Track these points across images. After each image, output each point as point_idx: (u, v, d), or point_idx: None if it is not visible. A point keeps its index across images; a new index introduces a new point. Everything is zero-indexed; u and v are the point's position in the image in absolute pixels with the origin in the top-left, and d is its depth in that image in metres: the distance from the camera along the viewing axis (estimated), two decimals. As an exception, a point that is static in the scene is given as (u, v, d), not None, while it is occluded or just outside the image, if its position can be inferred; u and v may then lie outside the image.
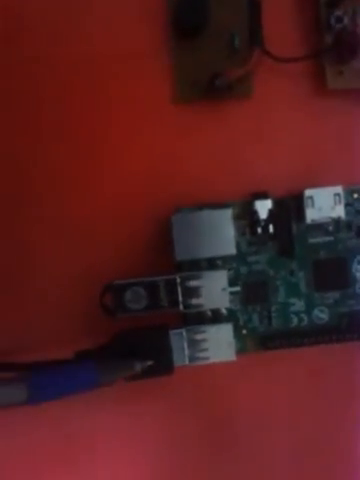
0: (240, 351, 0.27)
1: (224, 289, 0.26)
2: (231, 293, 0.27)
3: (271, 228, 0.27)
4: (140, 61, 0.27)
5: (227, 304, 0.26)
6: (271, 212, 0.27)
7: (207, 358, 0.26)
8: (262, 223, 0.27)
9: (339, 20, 0.27)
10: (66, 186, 0.27)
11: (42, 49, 0.27)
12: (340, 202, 0.27)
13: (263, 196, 0.27)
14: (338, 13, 0.27)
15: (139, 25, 0.27)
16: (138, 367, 0.25)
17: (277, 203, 0.27)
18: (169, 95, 0.27)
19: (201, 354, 0.26)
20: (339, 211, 0.27)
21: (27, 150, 0.27)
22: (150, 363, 0.25)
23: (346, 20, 0.27)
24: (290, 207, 0.27)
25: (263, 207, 0.27)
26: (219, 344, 0.26)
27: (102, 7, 0.27)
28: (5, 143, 0.27)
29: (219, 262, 0.27)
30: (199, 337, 0.26)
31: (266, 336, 0.28)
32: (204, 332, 0.25)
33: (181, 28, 0.27)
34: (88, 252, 0.27)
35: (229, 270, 0.27)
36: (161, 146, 0.27)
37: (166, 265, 0.26)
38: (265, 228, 0.27)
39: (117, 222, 0.27)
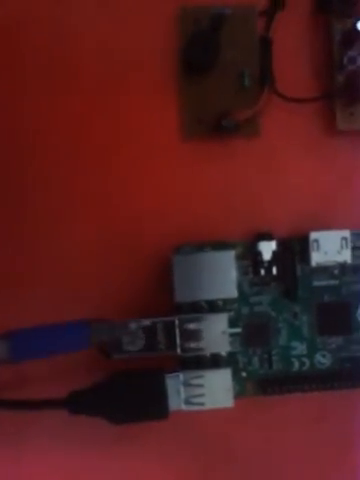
0: (239, 394, 0.24)
1: (224, 333, 0.22)
2: (231, 334, 0.24)
3: (274, 270, 0.24)
4: (150, 97, 0.25)
5: (227, 348, 0.23)
6: (275, 253, 0.24)
7: (203, 404, 0.22)
8: (266, 264, 0.24)
9: (352, 61, 0.24)
10: (68, 221, 0.24)
11: (50, 84, 0.24)
12: (347, 246, 0.24)
13: (267, 237, 0.24)
14: (352, 53, 0.24)
15: (149, 61, 0.24)
16: (133, 327, 0.22)
17: (282, 244, 0.24)
18: (177, 132, 0.25)
19: (197, 399, 0.22)
20: (345, 255, 0.24)
21: (31, 186, 0.24)
22: (147, 323, 0.22)
23: (359, 61, 0.25)
24: (295, 249, 0.24)
25: (267, 248, 0.24)
26: (216, 390, 0.22)
27: (114, 43, 0.24)
28: (6, 179, 0.24)
29: (220, 304, 0.24)
30: (196, 382, 0.22)
31: (266, 380, 0.25)
32: (201, 377, 0.22)
33: (191, 65, 0.24)
34: (88, 289, 0.24)
35: (230, 311, 0.24)
36: (167, 182, 0.25)
37: (166, 305, 0.23)
38: (268, 269, 0.24)
39: (119, 259, 0.24)
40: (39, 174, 0.24)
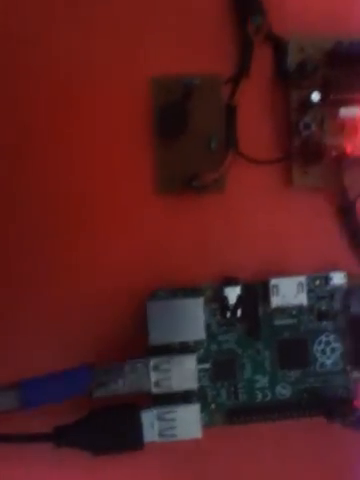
0: (208, 424, 0.26)
1: (193, 372, 0.24)
2: (201, 370, 0.26)
3: (239, 312, 0.26)
4: (126, 155, 0.26)
5: (195, 386, 0.24)
6: (240, 297, 0.26)
7: (175, 435, 0.24)
8: (231, 307, 0.26)
9: (307, 126, 0.26)
10: (46, 267, 0.26)
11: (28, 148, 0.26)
12: (303, 290, 0.26)
13: (233, 283, 0.26)
14: (307, 120, 0.26)
15: (128, 125, 0.26)
16: (128, 374, 0.24)
17: (246, 288, 0.26)
18: (151, 187, 0.26)
19: (170, 432, 0.24)
20: (301, 299, 0.26)
21: (16, 243, 0.26)
22: (125, 363, 0.24)
23: (313, 127, 0.26)
24: (257, 293, 0.26)
25: (233, 293, 0.26)
26: (187, 423, 0.24)
27: (94, 107, 0.26)
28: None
29: (190, 345, 0.25)
30: (168, 416, 0.24)
31: (233, 410, 0.26)
32: (173, 412, 0.24)
33: (163, 130, 0.26)
34: (67, 331, 0.25)
35: (200, 350, 0.26)
36: (142, 233, 0.26)
37: (142, 345, 0.25)
38: (234, 311, 0.26)
39: (96, 304, 0.26)
40: (24, 229, 0.26)
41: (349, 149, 0.25)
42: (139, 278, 0.26)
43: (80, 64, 0.26)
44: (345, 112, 0.25)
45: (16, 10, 0.26)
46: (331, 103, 0.25)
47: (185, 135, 0.26)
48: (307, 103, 0.25)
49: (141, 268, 0.26)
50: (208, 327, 0.26)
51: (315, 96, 0.24)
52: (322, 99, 0.25)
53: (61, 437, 0.24)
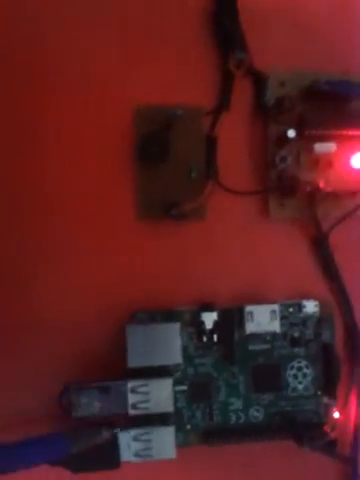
0: (184, 444, 0.27)
1: (169, 396, 0.25)
2: (178, 392, 0.27)
3: (215, 336, 0.27)
4: (108, 180, 0.27)
5: (171, 409, 0.25)
6: (216, 322, 0.27)
7: (151, 456, 0.25)
8: (208, 332, 0.27)
9: (283, 160, 0.27)
10: (32, 291, 0.27)
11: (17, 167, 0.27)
12: (276, 317, 0.27)
13: (210, 308, 0.27)
14: (283, 153, 0.27)
15: (111, 152, 0.27)
16: (106, 435, 0.25)
17: (222, 314, 0.27)
18: (132, 212, 0.27)
19: (145, 452, 0.25)
20: (275, 325, 0.27)
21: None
22: (116, 430, 0.25)
23: (289, 160, 0.27)
24: (233, 318, 0.27)
25: (209, 318, 0.27)
26: (162, 444, 0.25)
27: (78, 132, 0.27)
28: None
29: (167, 368, 0.26)
30: (144, 437, 0.25)
31: (208, 431, 0.27)
32: (149, 433, 0.25)
33: (145, 157, 0.27)
34: (46, 351, 0.26)
35: (177, 372, 0.27)
36: (122, 257, 0.27)
37: (120, 366, 0.26)
38: (210, 336, 0.27)
39: (77, 325, 0.27)
40: (3, 248, 0.27)
41: (322, 184, 0.27)
42: (119, 300, 0.27)
43: (64, 91, 0.27)
44: (320, 147, 0.27)
45: (8, 36, 0.27)
46: (306, 138, 0.27)
47: (166, 164, 0.27)
48: (284, 138, 0.27)
49: (121, 291, 0.27)
50: (185, 350, 0.27)
51: (291, 133, 0.26)
52: (298, 134, 0.26)
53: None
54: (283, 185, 0.27)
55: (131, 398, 0.25)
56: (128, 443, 0.25)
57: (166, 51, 0.28)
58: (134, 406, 0.25)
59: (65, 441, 0.24)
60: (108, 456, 0.25)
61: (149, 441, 0.25)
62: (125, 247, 0.28)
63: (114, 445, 0.25)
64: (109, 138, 0.27)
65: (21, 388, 0.26)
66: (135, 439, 0.25)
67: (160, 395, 0.25)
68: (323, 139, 0.27)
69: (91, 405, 0.25)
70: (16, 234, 0.27)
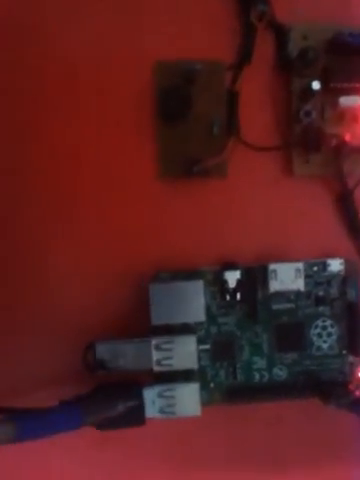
0: (207, 403, 0.28)
1: (193, 352, 0.26)
2: (201, 351, 0.27)
3: (239, 295, 0.27)
4: (129, 138, 0.27)
5: (195, 365, 0.26)
6: (239, 281, 0.27)
7: (175, 413, 0.26)
8: (231, 291, 0.27)
9: (308, 114, 0.27)
10: (55, 251, 0.27)
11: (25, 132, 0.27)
12: (300, 276, 0.27)
13: (232, 267, 0.27)
14: (307, 108, 0.27)
15: (131, 109, 0.27)
16: (121, 407, 0.25)
17: (245, 272, 0.27)
18: (153, 171, 0.27)
19: (170, 409, 0.26)
20: (299, 284, 0.27)
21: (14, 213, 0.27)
22: (132, 403, 0.25)
23: (314, 115, 0.27)
24: (256, 277, 0.28)
25: (232, 277, 0.27)
26: (186, 401, 0.26)
27: (98, 90, 0.27)
28: None
29: (191, 325, 0.27)
30: (169, 394, 0.25)
31: (231, 390, 0.28)
32: (173, 390, 0.25)
33: (166, 113, 0.27)
34: (71, 311, 0.27)
35: (200, 330, 0.28)
36: (144, 216, 0.27)
37: (144, 325, 0.26)
38: (233, 295, 0.27)
39: (100, 285, 0.27)
40: (29, 211, 0.27)
41: (348, 138, 0.27)
42: (141, 261, 0.27)
43: (84, 48, 0.27)
44: (345, 101, 0.26)
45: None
46: (331, 92, 0.26)
47: (187, 120, 0.27)
48: (308, 91, 0.26)
49: (143, 251, 0.28)
50: (208, 309, 0.28)
51: (315, 85, 0.25)
52: (322, 88, 0.26)
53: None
54: (307, 140, 0.26)
55: (155, 355, 0.25)
56: (153, 399, 0.26)
57: (185, 4, 0.27)
58: (158, 362, 0.26)
59: (79, 413, 0.25)
60: (133, 413, 0.26)
61: (173, 398, 0.26)
62: (146, 206, 0.28)
63: (139, 402, 0.26)
64: (129, 95, 0.27)
65: (44, 348, 0.27)
66: (160, 395, 0.26)
67: (184, 352, 0.26)
68: (348, 92, 0.26)
69: (116, 361, 0.25)
70: (35, 196, 0.27)
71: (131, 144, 0.28)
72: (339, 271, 0.28)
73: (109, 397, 0.25)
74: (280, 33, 0.28)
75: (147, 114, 0.27)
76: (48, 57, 0.27)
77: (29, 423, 0.24)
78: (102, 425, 0.26)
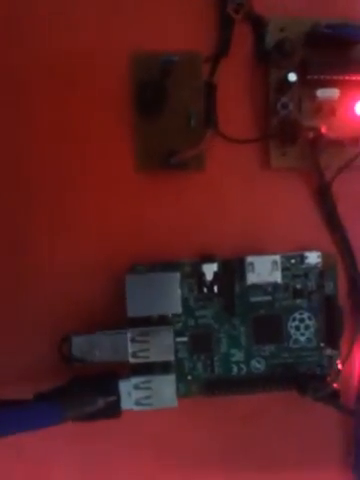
0: (185, 395, 0.28)
1: (170, 344, 0.26)
2: (179, 343, 0.28)
3: (216, 288, 0.28)
4: (106, 131, 0.27)
5: (172, 357, 0.26)
6: (216, 274, 0.27)
7: (151, 404, 0.26)
8: (208, 283, 0.27)
9: (285, 106, 0.27)
10: (33, 242, 0.27)
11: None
12: (277, 268, 0.27)
13: (210, 259, 0.27)
14: (284, 100, 0.27)
15: (107, 101, 0.27)
16: (101, 403, 0.26)
17: (222, 265, 0.28)
18: (131, 163, 0.27)
19: (146, 400, 0.26)
20: (276, 276, 0.27)
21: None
22: (113, 398, 0.26)
23: (291, 107, 0.27)
24: (234, 269, 0.28)
25: (209, 269, 0.27)
26: (163, 393, 0.26)
27: (72, 85, 0.27)
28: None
29: (169, 317, 0.27)
30: (145, 386, 0.26)
31: (209, 382, 0.28)
32: (150, 382, 0.26)
33: (143, 106, 0.27)
34: (46, 302, 0.27)
35: (178, 323, 0.28)
36: (122, 209, 0.28)
37: (121, 317, 0.26)
38: (211, 287, 0.28)
39: (77, 277, 0.27)
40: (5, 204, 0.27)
41: (325, 130, 0.27)
42: (118, 253, 0.28)
43: (59, 41, 0.27)
44: (322, 93, 0.27)
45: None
46: (308, 84, 0.27)
47: (164, 112, 0.27)
48: (285, 83, 0.27)
49: (120, 243, 0.28)
50: (185, 302, 0.28)
51: (292, 76, 0.26)
52: (300, 79, 0.26)
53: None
54: (285, 132, 0.27)
55: (131, 347, 0.26)
56: (129, 391, 0.26)
57: (162, -5, 0.28)
58: (134, 355, 0.26)
59: (59, 409, 0.25)
60: (109, 405, 0.26)
61: (150, 389, 0.26)
62: (124, 198, 0.28)
63: (115, 394, 0.26)
64: (104, 87, 0.27)
65: (20, 340, 0.27)
66: (136, 387, 0.26)
67: (161, 344, 0.26)
68: (326, 85, 0.27)
69: (91, 353, 0.26)
70: (13, 186, 0.27)
71: (107, 137, 0.28)
72: (317, 264, 0.28)
73: (89, 392, 0.26)
74: (258, 25, 0.28)
75: (124, 107, 0.27)
76: (23, 50, 0.27)
77: (8, 419, 0.24)
78: (78, 417, 0.26)
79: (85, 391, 0.26)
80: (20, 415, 0.24)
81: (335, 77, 0.27)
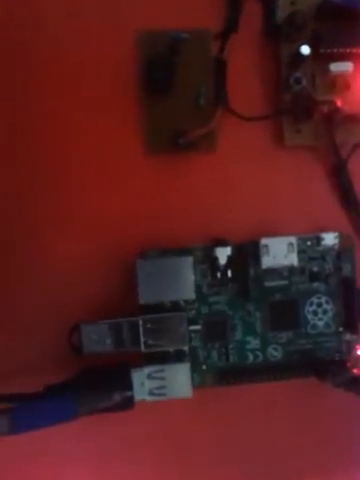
0: (199, 385, 0.27)
1: (184, 331, 0.25)
2: (192, 331, 0.27)
3: (230, 272, 0.27)
4: (113, 113, 0.27)
5: (186, 345, 0.25)
6: (230, 258, 0.27)
7: (165, 394, 0.25)
8: (222, 268, 0.27)
9: (298, 81, 0.26)
10: (40, 228, 0.26)
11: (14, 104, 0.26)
12: (293, 250, 0.26)
13: (223, 243, 0.27)
14: (297, 75, 0.26)
15: (113, 82, 0.26)
16: (117, 398, 0.25)
17: (236, 249, 0.27)
18: (140, 146, 0.27)
19: (160, 391, 0.25)
20: (292, 259, 0.26)
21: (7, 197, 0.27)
22: (129, 393, 0.25)
23: (304, 82, 0.26)
24: (248, 253, 0.27)
25: (223, 254, 0.26)
26: (177, 382, 0.25)
27: (77, 64, 0.26)
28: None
29: (182, 304, 0.26)
30: (158, 375, 0.25)
31: (224, 371, 0.27)
32: (163, 371, 0.25)
33: (151, 85, 0.26)
34: (57, 290, 0.26)
35: (191, 310, 0.27)
36: (131, 193, 0.27)
37: (131, 305, 0.26)
38: (224, 272, 0.27)
39: (86, 263, 0.26)
40: (12, 191, 0.26)
41: (340, 104, 0.26)
42: (129, 238, 0.27)
43: (64, 19, 0.26)
44: (336, 67, 0.26)
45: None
46: (321, 58, 0.26)
47: (173, 91, 0.26)
48: (297, 57, 0.26)
49: (131, 229, 0.27)
50: (198, 288, 0.27)
51: (305, 49, 0.25)
52: (312, 54, 0.25)
53: (52, 396, 0.24)
54: (298, 108, 0.26)
55: (143, 335, 0.25)
56: (142, 381, 0.25)
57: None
58: (147, 343, 0.25)
59: (75, 404, 0.24)
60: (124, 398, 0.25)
61: (163, 379, 0.25)
62: (133, 182, 0.27)
63: (127, 385, 0.25)
64: (111, 67, 0.27)
65: (29, 330, 0.26)
66: (149, 377, 0.25)
67: (174, 331, 0.25)
68: (339, 58, 0.26)
69: (102, 343, 0.25)
70: (21, 174, 0.26)
71: (115, 119, 0.27)
72: (334, 245, 0.27)
73: (104, 387, 0.24)
74: (267, -1, 0.27)
75: (131, 87, 0.27)
76: (28, 29, 0.26)
77: (24, 415, 0.23)
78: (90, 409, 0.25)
79: (100, 386, 0.25)
80: (34, 412, 0.23)
81: (348, 50, 0.26)
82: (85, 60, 0.26)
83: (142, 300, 0.25)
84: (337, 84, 0.26)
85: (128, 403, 0.25)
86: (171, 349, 0.25)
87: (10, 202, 0.26)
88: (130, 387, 0.25)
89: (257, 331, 0.27)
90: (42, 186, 0.26)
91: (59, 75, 0.26)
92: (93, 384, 0.25)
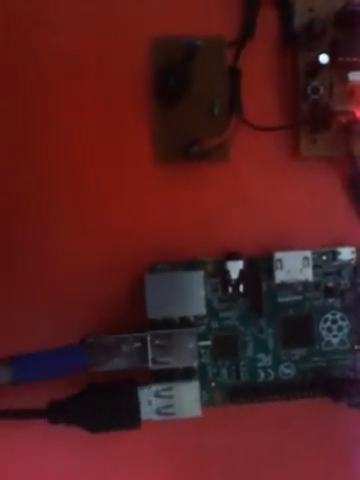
0: (208, 403, 0.26)
1: (193, 348, 0.24)
2: (202, 347, 0.26)
3: (242, 287, 0.26)
4: (124, 121, 0.26)
5: (195, 363, 0.24)
6: (242, 272, 0.26)
7: (173, 414, 0.24)
8: (233, 282, 0.26)
9: (315, 91, 0.26)
10: (47, 241, 0.26)
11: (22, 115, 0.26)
12: (308, 265, 0.26)
13: (235, 257, 0.26)
14: (315, 83, 0.26)
15: (126, 89, 0.26)
16: (124, 348, 0.24)
17: (248, 263, 0.26)
18: (150, 155, 0.26)
19: (168, 410, 0.24)
20: (307, 274, 0.26)
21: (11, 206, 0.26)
22: (138, 345, 0.24)
23: (322, 91, 0.26)
24: (260, 267, 0.26)
25: (234, 267, 0.26)
26: (185, 401, 0.24)
27: (89, 70, 0.26)
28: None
29: (191, 319, 0.25)
30: (166, 393, 0.24)
31: (234, 389, 0.26)
32: (171, 389, 0.24)
33: (164, 93, 0.26)
34: (64, 304, 0.25)
35: (201, 326, 0.26)
36: (141, 204, 0.26)
37: (140, 320, 0.25)
38: (236, 287, 0.26)
39: (94, 277, 0.26)
40: (21, 200, 0.26)
41: (358, 115, 0.25)
42: (138, 251, 0.26)
43: (79, 26, 0.25)
44: (354, 76, 0.25)
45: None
46: (339, 66, 0.25)
47: (186, 100, 0.26)
48: (315, 66, 0.25)
49: (140, 241, 0.26)
50: (209, 303, 0.26)
51: (323, 58, 0.24)
52: (330, 62, 0.25)
53: (56, 413, 0.24)
54: (315, 118, 0.25)
55: (151, 351, 0.24)
56: (149, 399, 0.24)
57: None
58: (155, 360, 0.24)
59: (83, 351, 0.23)
60: (128, 414, 0.24)
61: (171, 397, 0.24)
62: (143, 192, 0.26)
63: (134, 403, 0.24)
64: (123, 73, 0.26)
65: (35, 343, 0.25)
66: (157, 395, 0.24)
67: (183, 348, 0.24)
68: (358, 67, 0.25)
69: (108, 359, 0.24)
70: (28, 181, 0.25)
71: (125, 126, 0.26)
72: (350, 260, 0.26)
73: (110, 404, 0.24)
74: (284, 6, 0.26)
75: (143, 94, 0.26)
76: (41, 33, 0.25)
77: (26, 364, 0.23)
78: (95, 427, 0.25)
79: (93, 405, 0.24)
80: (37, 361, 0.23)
81: (368, 59, 0.26)
82: (98, 66, 0.26)
83: (150, 315, 0.24)
84: (355, 93, 0.26)
85: (134, 421, 0.24)
86: (180, 366, 0.25)
87: (20, 214, 0.26)
88: (137, 405, 0.24)
89: (269, 348, 0.26)
90: (50, 197, 0.26)
91: (71, 81, 0.26)
92: (98, 402, 0.24)
